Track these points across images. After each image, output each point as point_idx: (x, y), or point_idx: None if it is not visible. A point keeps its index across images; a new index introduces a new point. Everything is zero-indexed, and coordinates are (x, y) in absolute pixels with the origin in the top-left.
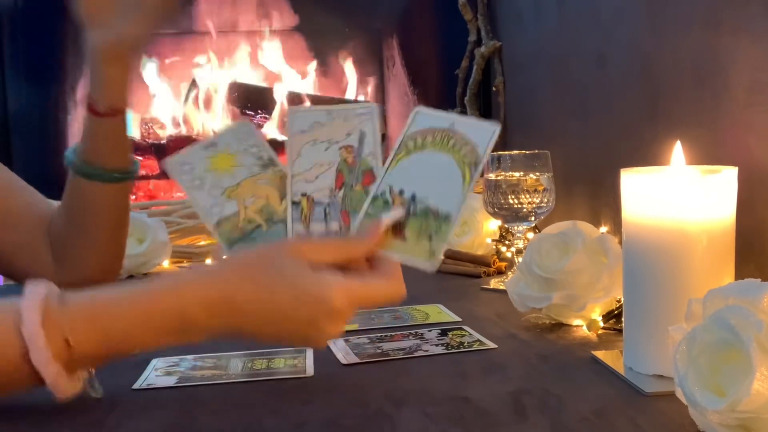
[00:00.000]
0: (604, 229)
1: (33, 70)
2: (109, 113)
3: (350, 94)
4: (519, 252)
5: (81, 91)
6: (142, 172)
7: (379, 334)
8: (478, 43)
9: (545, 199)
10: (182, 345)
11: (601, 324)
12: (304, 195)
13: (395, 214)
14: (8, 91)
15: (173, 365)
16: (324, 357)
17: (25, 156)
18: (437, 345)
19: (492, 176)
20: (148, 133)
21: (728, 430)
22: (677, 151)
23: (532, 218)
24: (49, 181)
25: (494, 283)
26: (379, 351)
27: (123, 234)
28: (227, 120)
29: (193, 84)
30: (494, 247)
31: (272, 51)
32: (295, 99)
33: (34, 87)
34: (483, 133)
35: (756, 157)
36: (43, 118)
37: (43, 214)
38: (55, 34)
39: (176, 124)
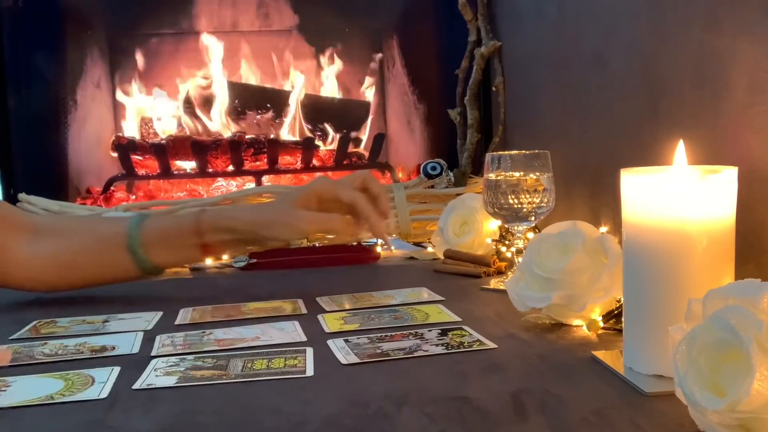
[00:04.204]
0: (604, 229)
1: (33, 69)
2: (210, 253)
3: (350, 94)
4: (519, 252)
5: (80, 91)
6: (142, 172)
7: (379, 334)
8: (478, 43)
9: (545, 199)
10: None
11: (601, 324)
12: None
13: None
14: (8, 91)
15: (173, 365)
16: (324, 357)
17: (25, 156)
18: (437, 345)
19: (492, 176)
20: (148, 133)
21: (728, 430)
22: (680, 150)
23: (532, 218)
24: (49, 181)
25: (494, 283)
26: (379, 351)
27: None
28: (227, 120)
29: (193, 84)
30: (494, 247)
31: (272, 51)
32: (295, 98)
33: (34, 87)
34: None
35: (756, 157)
36: (44, 118)
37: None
38: (56, 33)
39: (176, 125)
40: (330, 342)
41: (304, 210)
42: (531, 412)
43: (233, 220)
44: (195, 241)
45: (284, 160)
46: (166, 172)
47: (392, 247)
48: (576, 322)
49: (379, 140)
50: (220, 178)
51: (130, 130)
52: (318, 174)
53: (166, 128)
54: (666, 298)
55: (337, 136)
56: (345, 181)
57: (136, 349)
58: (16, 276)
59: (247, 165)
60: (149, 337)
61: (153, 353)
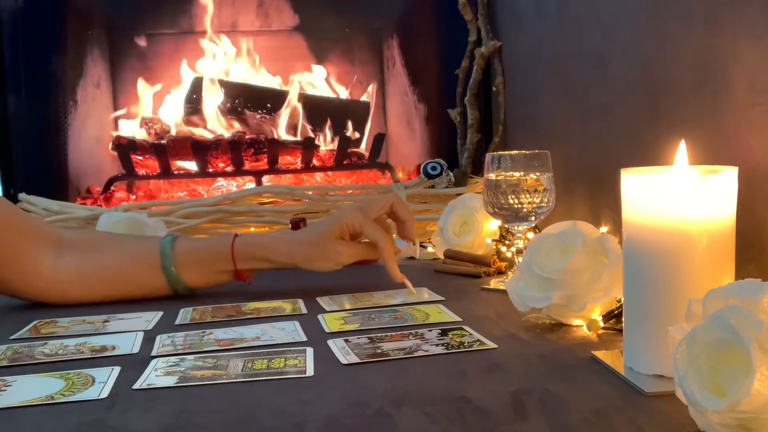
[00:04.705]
0: (604, 229)
1: (33, 69)
2: (243, 278)
3: (350, 94)
4: (519, 252)
5: (80, 91)
6: (142, 172)
7: (379, 334)
8: (478, 43)
9: (545, 199)
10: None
11: (601, 324)
12: None
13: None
14: (9, 91)
15: (173, 365)
16: (324, 357)
17: (25, 156)
18: (437, 345)
19: (492, 176)
20: (149, 133)
21: (728, 430)
22: (681, 149)
23: (532, 218)
24: (49, 181)
25: (494, 283)
26: (379, 351)
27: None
28: (227, 120)
29: (193, 84)
30: (494, 247)
31: (272, 51)
32: (295, 98)
33: (34, 86)
34: None
35: (756, 157)
36: (44, 118)
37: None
38: (56, 33)
39: (176, 125)
40: (330, 342)
41: (339, 241)
42: (531, 412)
43: (269, 252)
44: (229, 267)
45: (284, 160)
46: (166, 172)
47: (414, 290)
48: (576, 322)
49: (379, 140)
50: (220, 178)
51: (130, 130)
52: (318, 174)
53: (166, 128)
54: (666, 298)
55: (337, 136)
56: (374, 207)
57: (136, 349)
58: (37, 288)
59: (247, 165)
60: (149, 337)
61: (153, 353)
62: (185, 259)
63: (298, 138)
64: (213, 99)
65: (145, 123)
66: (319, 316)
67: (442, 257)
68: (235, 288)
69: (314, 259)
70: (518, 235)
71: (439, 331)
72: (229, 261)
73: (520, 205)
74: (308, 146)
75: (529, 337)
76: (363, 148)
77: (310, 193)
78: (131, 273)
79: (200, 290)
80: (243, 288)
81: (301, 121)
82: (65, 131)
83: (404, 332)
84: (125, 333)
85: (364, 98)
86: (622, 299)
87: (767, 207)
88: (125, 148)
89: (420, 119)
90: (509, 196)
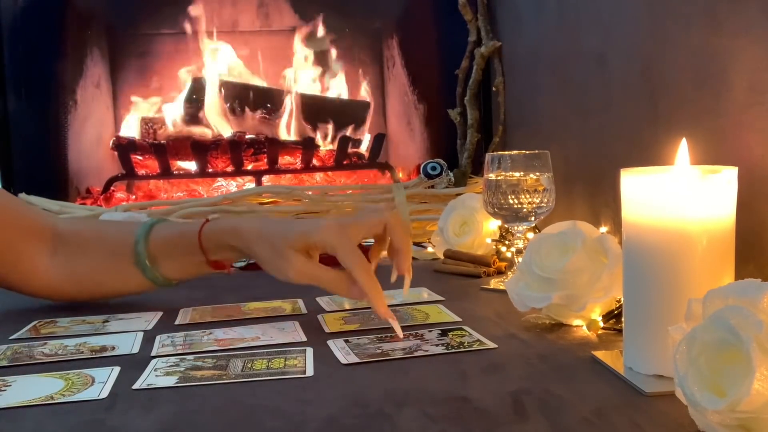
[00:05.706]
0: (604, 229)
1: (33, 69)
2: (218, 267)
3: (350, 94)
4: (519, 252)
5: (80, 91)
6: (142, 172)
7: (379, 334)
8: (478, 43)
9: (545, 199)
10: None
11: (601, 324)
12: None
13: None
14: (8, 91)
15: (173, 365)
16: (324, 357)
17: (25, 159)
18: (437, 345)
19: (492, 176)
20: (149, 133)
21: (728, 430)
22: (683, 148)
23: (532, 218)
24: (49, 181)
25: (494, 283)
26: (379, 351)
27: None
28: (226, 120)
29: (193, 84)
30: (494, 247)
31: (272, 51)
32: (295, 98)
33: (34, 86)
34: None
35: (756, 156)
36: (44, 118)
37: (30, 223)
38: (56, 33)
39: (176, 125)
40: (330, 342)
41: (296, 254)
42: (531, 412)
43: (238, 238)
44: (203, 258)
45: (284, 160)
46: (166, 172)
47: (401, 334)
48: (576, 322)
49: (379, 140)
50: (220, 178)
51: (130, 130)
52: (318, 174)
53: (165, 128)
54: (666, 298)
55: (338, 136)
56: (361, 226)
57: (136, 349)
58: (34, 286)
59: (247, 165)
60: (149, 337)
61: (153, 353)
62: (160, 251)
63: (298, 138)
64: (213, 99)
65: (145, 123)
66: (319, 316)
67: (441, 257)
68: (235, 288)
69: (266, 262)
70: (518, 235)
71: (439, 331)
72: (201, 253)
73: (520, 205)
74: (308, 146)
75: (529, 337)
76: (363, 148)
77: (309, 193)
78: (113, 270)
79: (186, 282)
80: (243, 288)
81: (300, 120)
82: (65, 131)
83: (404, 332)
84: (125, 333)
85: (364, 98)
86: (622, 299)
87: (767, 207)
88: (125, 148)
89: (420, 119)
90: (509, 196)
